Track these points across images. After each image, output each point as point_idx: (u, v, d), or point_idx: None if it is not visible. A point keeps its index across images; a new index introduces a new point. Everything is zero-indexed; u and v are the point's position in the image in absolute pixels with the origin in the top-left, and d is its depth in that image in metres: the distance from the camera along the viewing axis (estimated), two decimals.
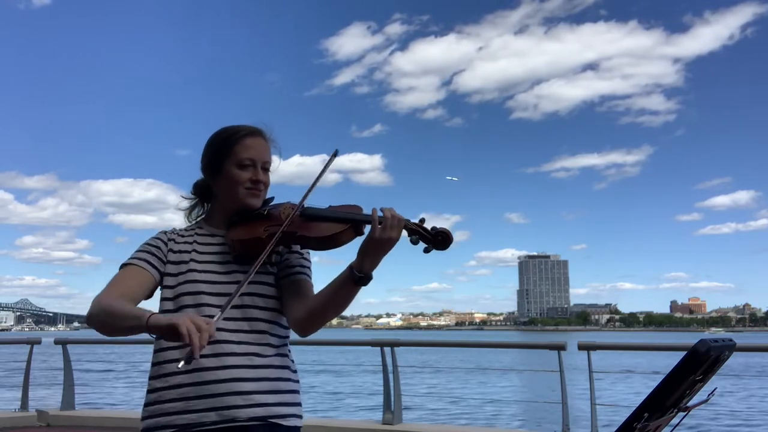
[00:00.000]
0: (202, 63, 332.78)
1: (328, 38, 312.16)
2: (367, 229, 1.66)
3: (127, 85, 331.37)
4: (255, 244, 1.72)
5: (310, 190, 1.78)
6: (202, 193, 1.92)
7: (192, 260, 1.78)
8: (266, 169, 1.84)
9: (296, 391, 1.78)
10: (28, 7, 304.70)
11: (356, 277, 1.62)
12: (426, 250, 1.67)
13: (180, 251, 1.80)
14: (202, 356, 1.65)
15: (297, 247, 1.84)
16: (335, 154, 1.78)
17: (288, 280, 1.79)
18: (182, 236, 1.85)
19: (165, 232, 1.86)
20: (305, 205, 1.79)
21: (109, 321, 1.59)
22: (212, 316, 1.69)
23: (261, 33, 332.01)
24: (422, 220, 1.68)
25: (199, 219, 1.92)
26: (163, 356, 1.70)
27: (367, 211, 1.71)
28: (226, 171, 1.79)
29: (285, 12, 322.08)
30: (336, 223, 1.71)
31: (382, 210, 1.65)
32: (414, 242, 1.66)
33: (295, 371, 1.81)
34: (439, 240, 1.66)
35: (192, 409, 1.64)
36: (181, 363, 1.45)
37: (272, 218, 1.78)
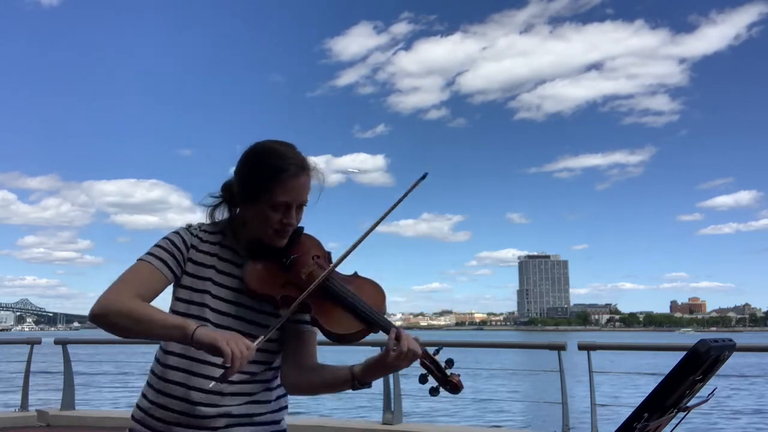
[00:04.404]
0: (206, 63, 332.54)
1: (332, 38, 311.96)
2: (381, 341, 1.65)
3: (130, 86, 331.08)
4: (267, 300, 1.68)
5: (344, 256, 1.68)
6: (230, 196, 1.79)
7: (210, 279, 1.72)
8: (301, 206, 1.72)
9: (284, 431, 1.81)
10: (36, 8, 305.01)
11: (356, 387, 1.64)
12: (432, 392, 1.62)
13: (201, 263, 1.73)
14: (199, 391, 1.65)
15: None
16: (373, 227, 1.68)
17: (292, 328, 1.74)
18: (205, 241, 1.76)
19: (190, 232, 1.76)
20: (331, 272, 1.68)
21: (133, 325, 1.54)
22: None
23: (265, 33, 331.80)
24: (438, 351, 1.63)
25: (224, 225, 1.80)
26: (169, 359, 1.70)
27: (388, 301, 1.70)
28: (260, 206, 1.68)
29: (289, 12, 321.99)
30: (354, 319, 1.63)
31: (398, 336, 1.57)
32: (422, 380, 1.62)
33: (286, 407, 1.83)
34: (447, 388, 1.63)
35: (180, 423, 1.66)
36: (212, 384, 1.52)
37: (292, 273, 1.69)
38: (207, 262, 1.73)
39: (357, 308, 1.63)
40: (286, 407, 1.83)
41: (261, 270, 1.70)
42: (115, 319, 1.55)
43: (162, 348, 1.73)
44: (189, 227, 1.78)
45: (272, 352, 1.74)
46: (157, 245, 1.71)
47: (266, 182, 1.66)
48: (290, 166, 1.67)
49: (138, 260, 1.68)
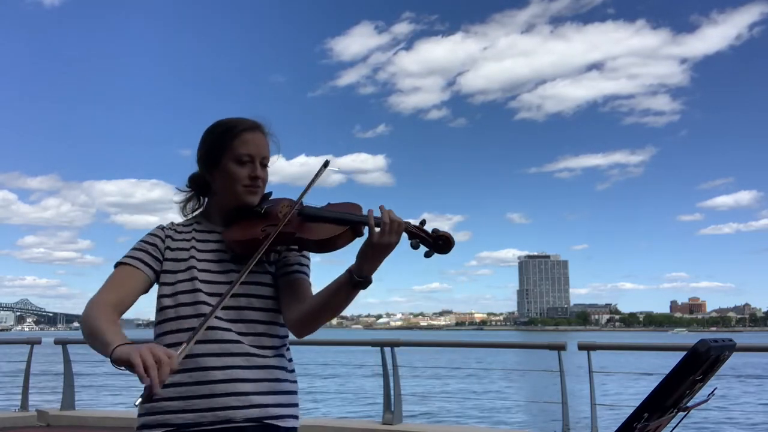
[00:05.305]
0: (207, 63, 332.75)
1: (333, 38, 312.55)
2: (367, 230, 1.61)
3: (131, 86, 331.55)
4: (252, 245, 1.68)
5: (308, 188, 1.74)
6: (198, 186, 1.87)
7: (192, 257, 1.75)
8: (264, 165, 1.79)
9: (293, 392, 1.77)
10: (37, 8, 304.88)
11: (355, 281, 1.60)
12: (427, 255, 1.61)
13: (179, 248, 1.77)
14: (201, 356, 1.64)
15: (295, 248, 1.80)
16: (326, 165, 1.75)
17: (285, 279, 1.77)
18: (180, 232, 1.81)
19: (162, 228, 1.82)
20: (303, 203, 1.74)
21: (88, 336, 1.55)
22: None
23: (266, 34, 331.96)
24: (423, 222, 1.63)
25: (196, 213, 1.88)
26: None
27: (366, 210, 1.67)
28: (224, 166, 1.75)
29: (290, 12, 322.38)
30: (334, 225, 1.67)
31: (380, 210, 1.61)
32: (414, 246, 1.60)
33: (292, 371, 1.80)
34: (440, 244, 1.61)
35: (190, 408, 1.63)
36: (138, 401, 1.36)
37: (270, 217, 1.75)
38: (185, 246, 1.78)
39: (333, 218, 1.68)
40: (296, 385, 1.80)
41: (240, 225, 1.76)
42: (83, 327, 1.57)
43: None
44: (161, 226, 1.84)
45: (273, 310, 1.75)
46: (132, 248, 1.77)
47: (224, 141, 1.76)
48: (243, 124, 1.78)
49: (116, 264, 1.73)
